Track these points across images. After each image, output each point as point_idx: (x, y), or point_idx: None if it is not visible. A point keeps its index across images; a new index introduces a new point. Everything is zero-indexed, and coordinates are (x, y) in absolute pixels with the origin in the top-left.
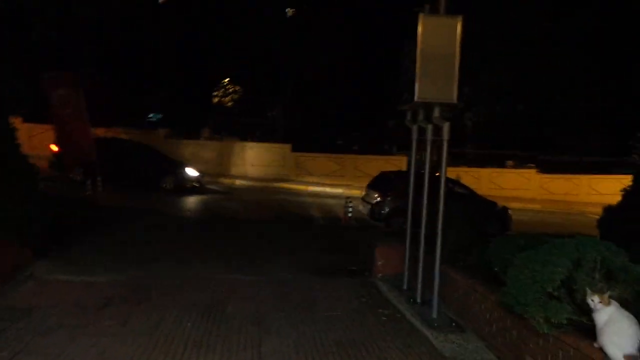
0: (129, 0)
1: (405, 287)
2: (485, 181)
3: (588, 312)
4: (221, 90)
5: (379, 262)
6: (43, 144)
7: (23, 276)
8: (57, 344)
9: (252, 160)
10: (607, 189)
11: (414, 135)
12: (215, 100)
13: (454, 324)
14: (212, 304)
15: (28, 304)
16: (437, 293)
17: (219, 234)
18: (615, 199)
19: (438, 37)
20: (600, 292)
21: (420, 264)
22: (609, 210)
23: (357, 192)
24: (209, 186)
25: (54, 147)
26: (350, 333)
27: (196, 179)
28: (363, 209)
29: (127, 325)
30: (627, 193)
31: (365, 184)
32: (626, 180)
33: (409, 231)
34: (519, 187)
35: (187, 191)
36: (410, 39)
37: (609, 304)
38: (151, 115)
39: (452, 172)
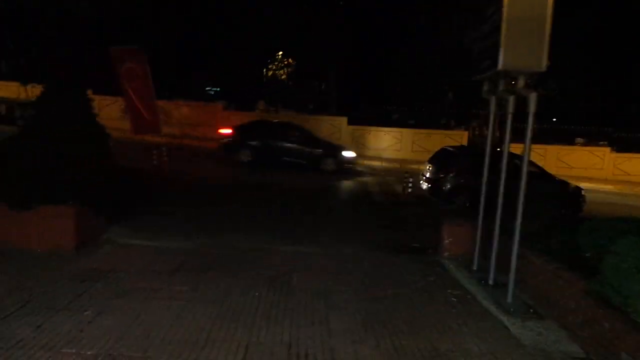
0: None
1: (475, 267)
2: (553, 159)
3: None
4: (275, 64)
5: (446, 241)
6: (111, 114)
7: (101, 240)
8: (134, 306)
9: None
10: None
11: (492, 107)
12: (270, 73)
13: (531, 310)
14: (277, 275)
15: (106, 266)
16: (513, 275)
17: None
18: None
19: None
20: None
21: (495, 244)
22: None
23: (415, 167)
24: None
25: (226, 130)
26: (419, 313)
27: (352, 160)
28: (423, 184)
29: (198, 292)
30: None
31: (423, 158)
32: None
33: (482, 209)
34: (591, 167)
35: (344, 172)
36: (490, 2)
37: None
38: (209, 88)
39: (516, 149)
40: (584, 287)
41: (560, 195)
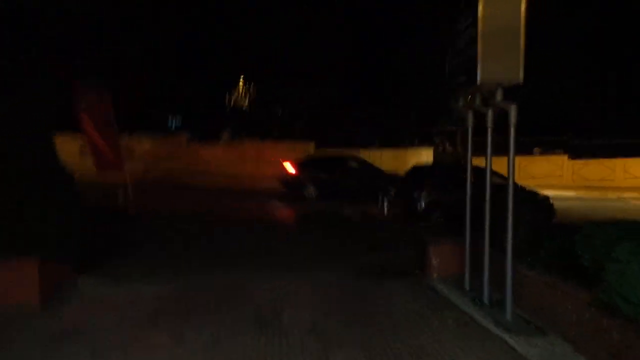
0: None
1: (467, 287)
2: (515, 170)
3: None
4: (237, 91)
5: (434, 262)
6: (71, 151)
7: (70, 293)
8: None
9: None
10: None
11: (469, 122)
12: (231, 102)
13: (532, 326)
14: (264, 313)
15: (77, 322)
16: (509, 291)
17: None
18: None
19: (501, 12)
20: None
21: (486, 261)
22: None
23: None
24: None
25: (289, 166)
26: (421, 341)
27: None
28: (399, 203)
29: (182, 344)
30: None
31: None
32: None
33: (468, 226)
34: (551, 174)
35: None
36: (461, 17)
37: None
38: (172, 120)
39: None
40: (587, 298)
41: (532, 205)
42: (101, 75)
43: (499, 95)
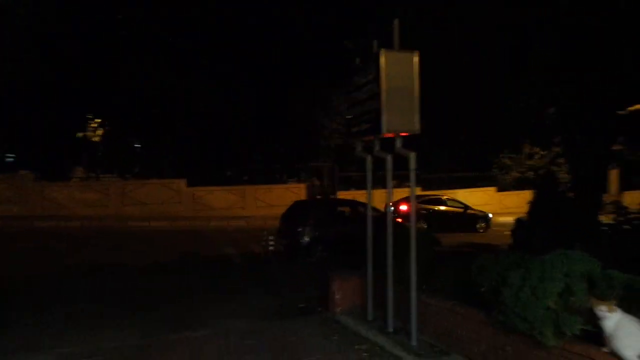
0: None
1: (370, 317)
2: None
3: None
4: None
5: (337, 296)
6: None
7: None
8: None
9: (144, 198)
10: (477, 200)
11: (369, 166)
12: (81, 135)
13: (436, 349)
14: None
15: None
16: (414, 318)
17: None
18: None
19: (399, 71)
20: (605, 300)
21: (390, 292)
22: (518, 221)
23: (261, 223)
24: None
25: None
26: None
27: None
28: (281, 240)
29: None
30: (531, 206)
31: (267, 213)
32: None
33: (370, 259)
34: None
35: None
36: (360, 72)
37: (615, 310)
38: (8, 155)
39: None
40: (483, 319)
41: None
42: None
43: (398, 143)
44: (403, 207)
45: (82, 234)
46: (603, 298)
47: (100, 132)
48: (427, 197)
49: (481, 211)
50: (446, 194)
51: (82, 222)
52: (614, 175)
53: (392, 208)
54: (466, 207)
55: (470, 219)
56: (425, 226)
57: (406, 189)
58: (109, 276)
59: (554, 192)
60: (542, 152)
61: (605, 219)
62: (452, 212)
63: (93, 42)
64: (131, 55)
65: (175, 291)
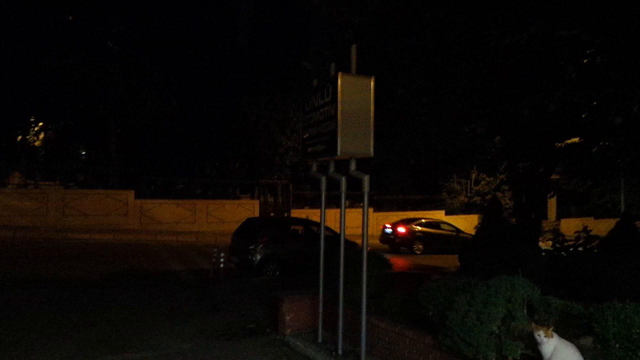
0: None
1: (320, 339)
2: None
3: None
4: (30, 128)
5: (287, 317)
6: None
7: None
8: None
9: (87, 209)
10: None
11: (323, 186)
12: (19, 138)
13: None
14: None
15: None
16: (364, 342)
17: (59, 308)
18: None
19: (356, 95)
20: (544, 326)
21: (340, 314)
22: (466, 245)
23: (212, 239)
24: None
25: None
26: None
27: None
28: (232, 258)
29: None
30: (478, 230)
31: (218, 229)
32: (440, 214)
33: (322, 280)
34: (357, 225)
35: None
36: (317, 94)
37: (552, 336)
38: None
39: (299, 214)
40: (430, 342)
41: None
42: None
43: (353, 166)
44: (401, 230)
45: (15, 245)
46: (541, 323)
47: (42, 136)
48: (424, 221)
49: (471, 234)
50: (431, 217)
51: (15, 232)
52: (552, 203)
53: (391, 230)
54: (458, 230)
55: (463, 242)
56: (422, 247)
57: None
58: (41, 291)
59: (499, 217)
60: (487, 179)
61: (543, 245)
62: (446, 234)
63: (35, 38)
64: (80, 54)
65: (115, 309)
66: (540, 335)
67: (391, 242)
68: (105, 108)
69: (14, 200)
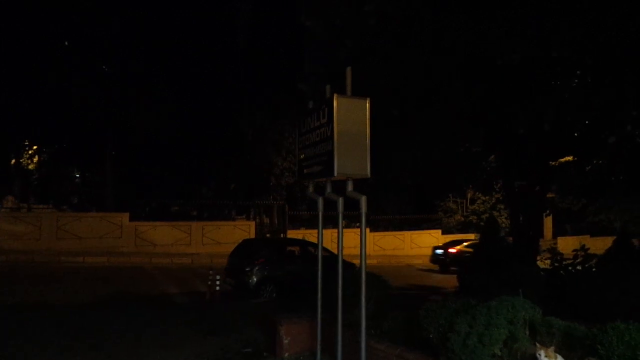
0: None
1: None
2: (327, 241)
3: None
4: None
5: (285, 340)
6: None
7: None
8: None
9: (81, 232)
10: (424, 242)
11: (320, 207)
12: (13, 161)
13: None
14: None
15: None
16: None
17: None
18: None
19: (351, 116)
20: (545, 346)
21: (339, 337)
22: (464, 265)
23: (208, 261)
24: None
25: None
26: None
27: None
28: (228, 280)
29: None
30: (475, 249)
31: (214, 251)
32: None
33: (320, 302)
34: (353, 245)
35: None
36: (313, 115)
37: (555, 357)
38: None
39: (296, 235)
40: None
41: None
42: None
43: (350, 186)
44: (452, 250)
45: (6, 269)
46: (543, 344)
47: (36, 159)
48: (470, 242)
49: None
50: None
51: (7, 255)
52: (548, 221)
53: (442, 250)
54: None
55: None
56: None
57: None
58: (30, 315)
59: (496, 236)
60: (483, 198)
61: (541, 264)
62: None
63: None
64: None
65: (107, 333)
66: (541, 354)
67: (442, 262)
68: (100, 131)
69: (7, 224)
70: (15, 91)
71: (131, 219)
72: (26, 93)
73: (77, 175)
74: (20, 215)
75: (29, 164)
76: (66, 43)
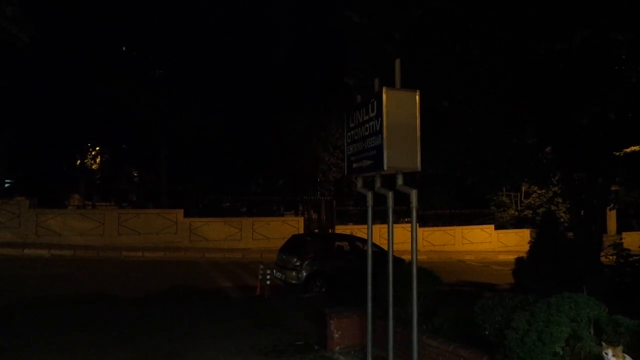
0: None
1: (369, 357)
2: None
3: None
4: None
5: (336, 334)
6: None
7: None
8: None
9: (139, 228)
10: (475, 238)
11: (370, 202)
12: (78, 162)
13: None
14: None
15: None
16: None
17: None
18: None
19: (401, 109)
20: (613, 345)
21: (390, 332)
22: (519, 260)
23: (258, 256)
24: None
25: None
26: None
27: None
28: (278, 274)
29: None
30: (532, 245)
31: (264, 246)
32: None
33: (370, 297)
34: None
35: None
36: (361, 109)
37: (623, 357)
38: (6, 180)
39: (345, 230)
40: None
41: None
42: None
43: (400, 180)
44: None
45: (75, 263)
46: (611, 344)
47: (99, 159)
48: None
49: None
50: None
51: (74, 250)
52: (611, 215)
53: None
54: None
55: None
56: None
57: (407, 225)
58: (98, 306)
59: (555, 231)
60: (539, 191)
61: (605, 260)
62: None
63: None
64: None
65: (167, 324)
66: (608, 353)
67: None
68: (155, 133)
69: (74, 220)
70: (79, 98)
71: (185, 215)
72: (89, 99)
73: (135, 174)
74: (86, 212)
75: (92, 164)
76: (123, 49)
